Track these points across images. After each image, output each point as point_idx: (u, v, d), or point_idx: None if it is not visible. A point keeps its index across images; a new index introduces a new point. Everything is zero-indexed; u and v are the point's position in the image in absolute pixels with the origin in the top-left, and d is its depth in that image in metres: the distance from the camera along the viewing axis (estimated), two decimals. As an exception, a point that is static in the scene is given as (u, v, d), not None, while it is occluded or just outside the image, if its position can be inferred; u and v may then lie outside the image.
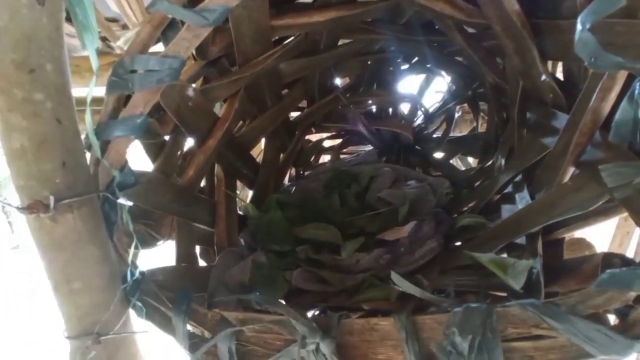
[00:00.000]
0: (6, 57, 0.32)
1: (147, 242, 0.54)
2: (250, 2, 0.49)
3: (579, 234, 0.55)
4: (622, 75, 0.36)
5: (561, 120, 0.49)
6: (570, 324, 0.29)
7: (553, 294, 0.39)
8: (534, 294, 0.38)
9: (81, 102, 0.42)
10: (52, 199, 0.32)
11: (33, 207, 0.31)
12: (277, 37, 0.62)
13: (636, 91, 0.31)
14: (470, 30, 0.63)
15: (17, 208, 0.33)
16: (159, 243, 0.57)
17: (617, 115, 0.34)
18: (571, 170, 0.45)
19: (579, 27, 0.30)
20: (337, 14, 0.55)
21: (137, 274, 0.45)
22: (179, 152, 0.62)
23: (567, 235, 0.47)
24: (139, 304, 0.44)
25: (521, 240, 0.48)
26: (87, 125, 0.39)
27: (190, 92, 0.55)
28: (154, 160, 0.57)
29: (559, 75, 0.56)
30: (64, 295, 0.38)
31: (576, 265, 0.40)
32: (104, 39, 1.16)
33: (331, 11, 0.55)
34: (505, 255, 0.49)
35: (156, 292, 0.45)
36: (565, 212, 0.42)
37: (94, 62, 0.37)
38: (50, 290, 0.38)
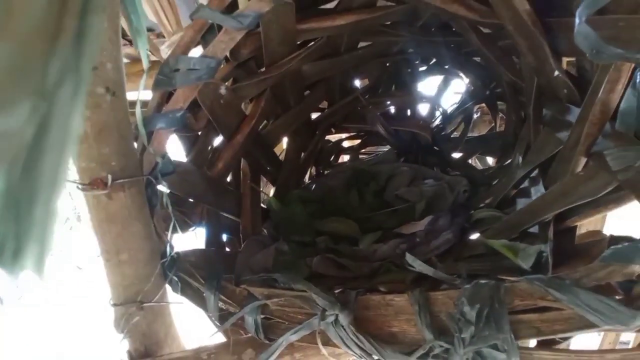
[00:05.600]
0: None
1: (181, 227, 0.60)
2: (279, 7, 0.53)
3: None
4: (627, 68, 0.37)
5: (575, 114, 0.51)
6: (575, 295, 0.31)
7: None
8: (542, 273, 0.40)
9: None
10: (109, 178, 0.37)
11: (94, 183, 0.37)
12: (301, 41, 0.67)
13: (637, 80, 0.33)
14: (486, 30, 0.66)
15: (79, 185, 0.38)
16: (190, 229, 0.62)
17: (622, 105, 0.36)
18: (583, 160, 0.47)
19: (577, 20, 0.33)
20: (357, 17, 0.59)
21: (173, 253, 0.50)
22: (209, 147, 0.67)
23: (580, 224, 0.48)
24: (175, 279, 0.49)
25: (534, 229, 0.50)
26: (137, 117, 0.45)
27: (222, 90, 0.60)
28: (187, 152, 0.62)
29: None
30: (113, 265, 0.43)
31: (586, 249, 0.41)
32: (139, 47, 1.25)
33: (352, 15, 0.59)
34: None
35: (190, 269, 0.50)
36: (576, 200, 0.44)
37: (145, 62, 0.42)
38: (102, 262, 0.43)
